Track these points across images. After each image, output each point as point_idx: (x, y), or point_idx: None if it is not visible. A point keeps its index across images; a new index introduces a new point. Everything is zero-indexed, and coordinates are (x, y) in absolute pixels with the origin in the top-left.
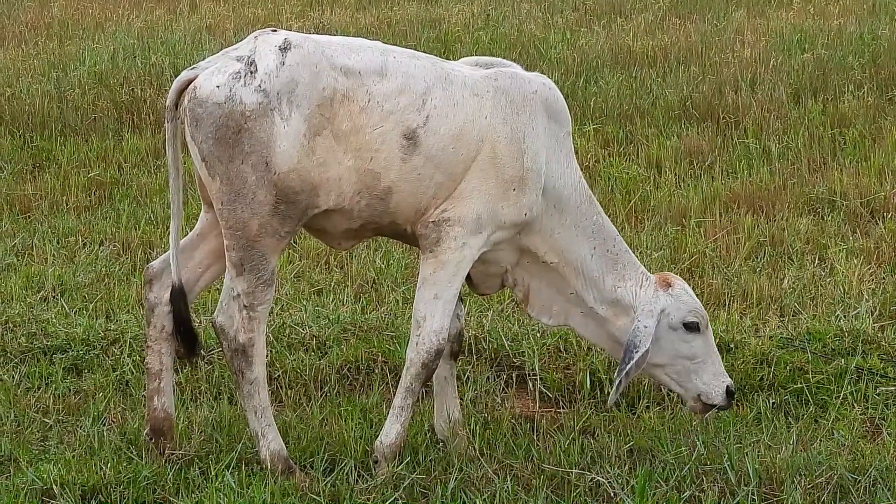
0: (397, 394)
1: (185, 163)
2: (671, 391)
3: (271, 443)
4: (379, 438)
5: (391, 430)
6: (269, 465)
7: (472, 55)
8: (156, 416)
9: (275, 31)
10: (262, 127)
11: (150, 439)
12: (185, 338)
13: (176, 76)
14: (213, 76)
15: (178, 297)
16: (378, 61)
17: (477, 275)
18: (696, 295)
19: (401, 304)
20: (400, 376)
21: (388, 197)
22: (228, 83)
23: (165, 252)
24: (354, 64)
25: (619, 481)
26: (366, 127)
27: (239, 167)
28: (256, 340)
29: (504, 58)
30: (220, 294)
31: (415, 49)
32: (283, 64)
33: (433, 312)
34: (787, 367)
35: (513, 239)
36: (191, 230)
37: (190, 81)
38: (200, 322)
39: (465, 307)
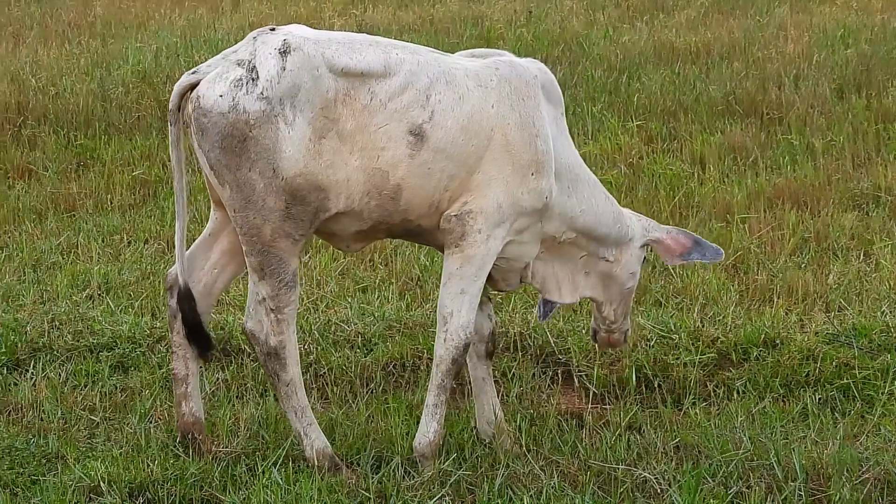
0: (429, 392)
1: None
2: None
3: (314, 441)
4: (417, 439)
5: (429, 429)
6: (314, 463)
7: (514, 53)
8: (185, 422)
9: (273, 30)
10: (266, 134)
11: (183, 444)
12: (196, 338)
13: None
14: (215, 84)
15: (185, 299)
16: (380, 60)
17: (498, 271)
18: (742, 291)
19: None
20: None
21: (399, 195)
22: (231, 92)
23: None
24: (356, 64)
25: (666, 477)
26: (370, 126)
27: (247, 174)
28: (287, 342)
29: (547, 55)
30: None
31: (458, 46)
32: (285, 69)
33: (459, 308)
34: (833, 363)
35: (535, 229)
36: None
37: (192, 86)
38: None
39: (491, 305)
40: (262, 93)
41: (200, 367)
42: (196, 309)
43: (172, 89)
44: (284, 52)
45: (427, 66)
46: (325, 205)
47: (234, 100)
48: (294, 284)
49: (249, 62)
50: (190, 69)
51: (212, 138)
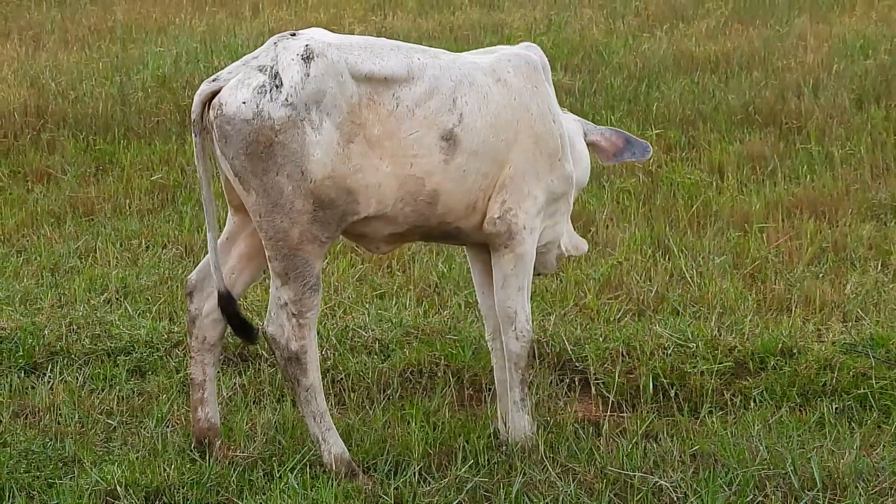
0: (513, 388)
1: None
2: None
3: (332, 446)
4: (512, 437)
5: (523, 423)
6: (332, 468)
7: None
8: (200, 427)
9: (294, 35)
10: (293, 138)
11: (198, 449)
12: (243, 331)
13: None
14: (237, 91)
15: (227, 302)
16: (403, 65)
17: (537, 259)
18: (759, 300)
19: (463, 308)
20: (464, 379)
21: (436, 199)
22: (254, 98)
23: (200, 262)
24: (379, 70)
25: (683, 486)
26: (398, 133)
27: (274, 179)
28: (309, 347)
29: (567, 63)
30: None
31: None
32: (308, 75)
33: (522, 304)
34: (851, 373)
35: (563, 208)
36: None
37: (213, 94)
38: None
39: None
40: (286, 99)
41: (218, 372)
42: (238, 309)
43: (193, 95)
44: (307, 58)
45: (448, 70)
46: (354, 208)
47: (258, 106)
48: (317, 288)
49: (271, 68)
50: (210, 75)
51: (236, 145)
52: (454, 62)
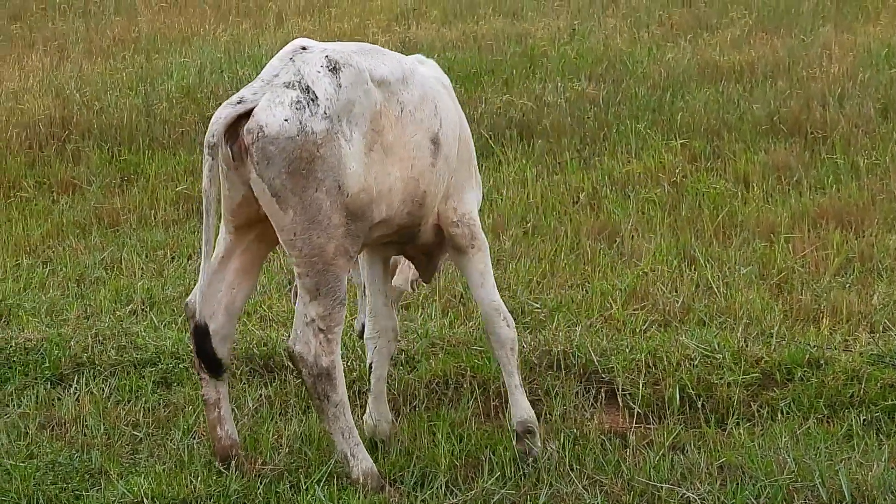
0: (512, 374)
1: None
2: None
3: (362, 462)
4: (517, 419)
5: (525, 404)
6: (361, 484)
7: (558, 70)
8: (222, 445)
9: (305, 48)
10: (332, 152)
11: (223, 465)
12: (210, 366)
13: None
14: (274, 110)
15: (202, 335)
16: (399, 69)
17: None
18: (786, 311)
19: None
20: (490, 390)
21: (424, 200)
22: (295, 115)
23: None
24: (387, 74)
25: (710, 498)
26: (403, 136)
27: (313, 195)
28: (338, 362)
29: (591, 73)
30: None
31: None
32: (340, 86)
33: (497, 294)
34: (878, 384)
35: None
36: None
37: (238, 117)
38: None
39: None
40: (324, 112)
41: (230, 387)
42: (212, 345)
43: (217, 106)
44: (334, 68)
45: (428, 77)
46: (372, 216)
47: (300, 123)
48: (345, 302)
49: (299, 83)
50: (234, 86)
51: (278, 164)
52: (426, 69)
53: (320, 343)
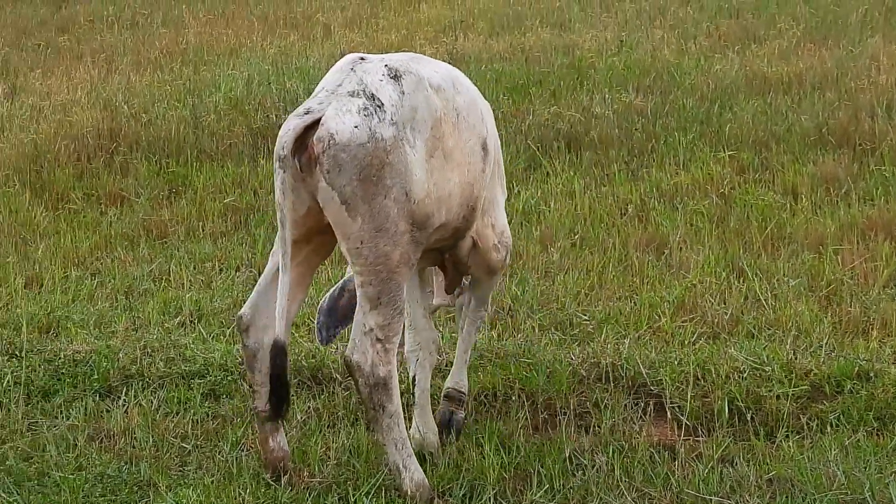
0: (468, 350)
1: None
2: None
3: (414, 474)
4: (454, 384)
5: (465, 377)
6: (412, 496)
7: (606, 82)
8: (275, 457)
9: (363, 58)
10: (399, 158)
11: (272, 478)
12: (279, 396)
13: None
14: (343, 118)
15: (281, 354)
16: (448, 76)
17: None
18: (835, 323)
19: (536, 331)
20: (538, 403)
21: (476, 205)
22: (364, 122)
23: (250, 297)
24: (441, 82)
25: None
26: (460, 142)
27: (382, 202)
28: (394, 372)
29: (638, 84)
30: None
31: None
32: (404, 93)
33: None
34: None
35: None
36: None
37: (308, 127)
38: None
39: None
40: (391, 118)
41: None
42: (288, 367)
43: (264, 118)
44: (395, 76)
45: (467, 82)
46: (433, 222)
47: (370, 129)
48: (404, 313)
49: (364, 91)
50: (282, 98)
51: (350, 171)
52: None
53: (378, 353)
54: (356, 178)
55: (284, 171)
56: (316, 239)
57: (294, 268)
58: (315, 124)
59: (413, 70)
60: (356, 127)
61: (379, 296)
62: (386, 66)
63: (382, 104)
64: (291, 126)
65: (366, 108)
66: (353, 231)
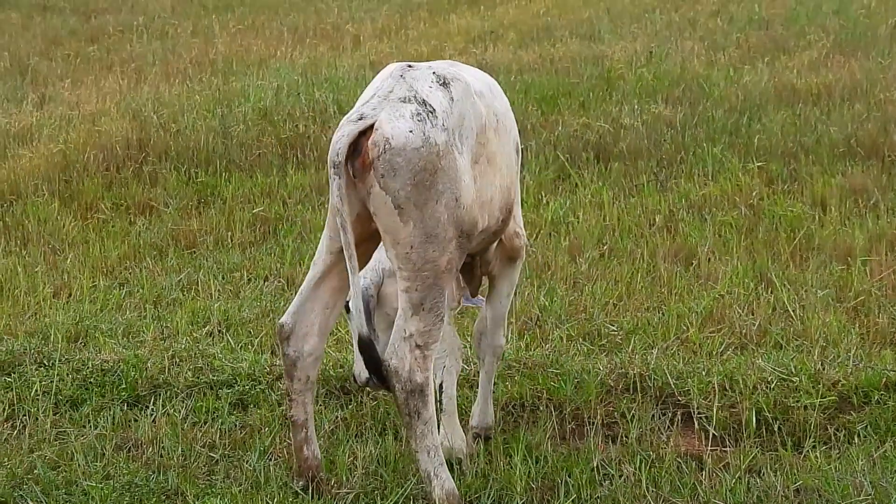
0: (490, 382)
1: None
2: None
3: (445, 482)
4: (483, 424)
5: (492, 411)
6: None
7: (635, 93)
8: (308, 465)
9: (411, 66)
10: (450, 164)
11: (305, 488)
12: (379, 376)
13: (340, 113)
14: (397, 122)
15: (369, 346)
16: (486, 82)
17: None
18: (863, 334)
19: (565, 341)
20: (566, 413)
21: (513, 207)
22: (418, 126)
23: (290, 306)
24: (481, 88)
25: None
26: (500, 146)
27: (433, 207)
28: (431, 379)
29: (668, 96)
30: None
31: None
32: (453, 99)
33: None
34: None
35: None
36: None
37: (361, 133)
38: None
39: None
40: (443, 124)
41: (316, 408)
42: (378, 353)
43: (294, 127)
44: (444, 83)
45: (498, 86)
46: (477, 227)
47: (424, 134)
48: (444, 321)
49: (416, 97)
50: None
51: (404, 176)
52: None
53: (416, 359)
54: (410, 182)
55: (339, 177)
56: (361, 247)
57: (336, 275)
58: (368, 130)
59: (460, 77)
60: (410, 132)
61: (422, 301)
62: (434, 73)
63: (434, 110)
64: (346, 132)
65: (419, 114)
66: (403, 236)
